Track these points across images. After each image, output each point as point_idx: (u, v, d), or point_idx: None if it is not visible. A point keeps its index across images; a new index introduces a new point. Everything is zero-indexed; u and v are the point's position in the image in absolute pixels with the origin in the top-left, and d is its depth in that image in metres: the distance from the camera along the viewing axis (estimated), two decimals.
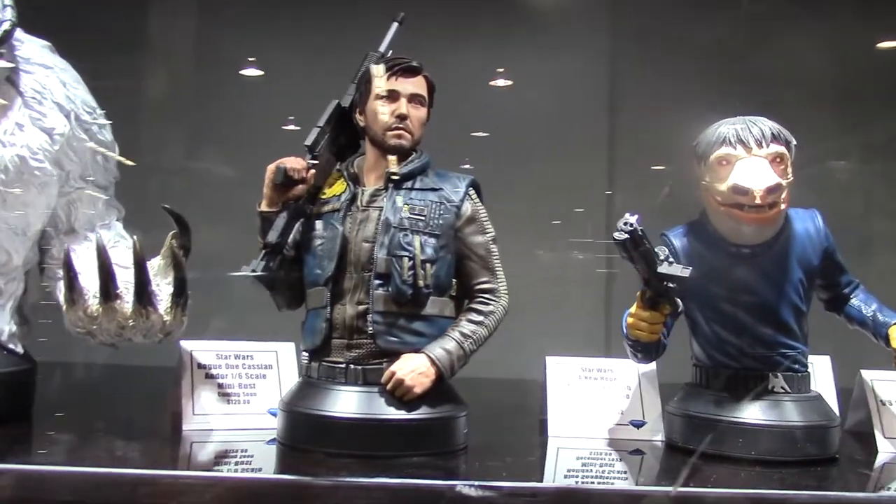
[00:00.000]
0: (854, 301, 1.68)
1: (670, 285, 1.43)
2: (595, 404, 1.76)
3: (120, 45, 2.75)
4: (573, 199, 2.85)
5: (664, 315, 1.49)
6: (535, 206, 2.78)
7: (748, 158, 1.52)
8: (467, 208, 1.58)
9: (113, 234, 1.74)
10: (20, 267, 1.65)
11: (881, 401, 1.75)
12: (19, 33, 1.65)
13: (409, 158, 1.59)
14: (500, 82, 2.89)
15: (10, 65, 1.60)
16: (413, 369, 1.48)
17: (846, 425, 1.82)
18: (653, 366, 1.80)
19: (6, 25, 1.53)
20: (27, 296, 1.72)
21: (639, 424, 1.74)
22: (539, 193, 2.79)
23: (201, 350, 1.70)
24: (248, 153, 2.53)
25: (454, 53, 2.72)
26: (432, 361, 1.50)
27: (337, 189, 1.61)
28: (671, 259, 1.44)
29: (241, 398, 1.69)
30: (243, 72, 2.89)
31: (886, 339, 1.61)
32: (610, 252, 2.62)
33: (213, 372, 1.69)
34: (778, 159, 1.53)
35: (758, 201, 1.49)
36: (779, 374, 1.59)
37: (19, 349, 1.64)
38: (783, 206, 1.54)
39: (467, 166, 2.81)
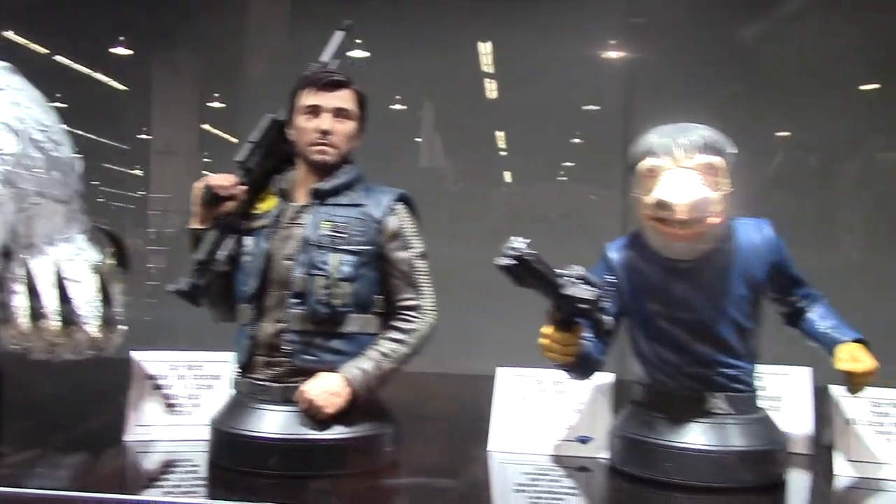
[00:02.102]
0: (810, 315, 1.57)
1: (582, 306, 1.37)
2: (543, 419, 1.72)
3: (223, 33, 2.90)
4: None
5: (578, 336, 1.43)
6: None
7: (674, 170, 1.43)
8: (391, 223, 1.56)
9: (73, 247, 1.78)
10: None
11: (846, 419, 1.64)
12: None
13: (335, 174, 1.58)
14: (613, 54, 2.84)
15: None
16: (324, 389, 1.48)
17: (821, 441, 1.72)
18: (610, 378, 1.74)
19: None
20: None
21: (585, 440, 1.69)
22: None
23: (151, 360, 1.73)
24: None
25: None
26: (346, 381, 1.49)
27: (269, 204, 1.61)
28: (582, 278, 1.37)
29: (186, 409, 1.72)
30: (349, 53, 2.90)
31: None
32: None
33: (161, 382, 1.72)
34: (709, 170, 1.44)
35: (680, 216, 1.41)
36: (718, 395, 1.51)
37: None
38: (716, 220, 1.45)
39: (577, 140, 2.80)
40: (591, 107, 2.81)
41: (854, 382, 1.46)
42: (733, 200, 1.49)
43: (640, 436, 1.52)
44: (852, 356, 1.45)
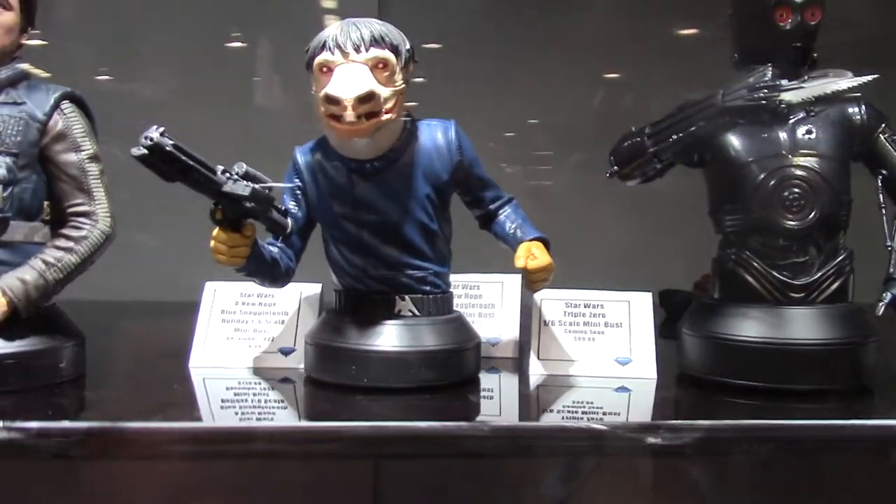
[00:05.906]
0: (500, 217, 1.58)
1: (240, 204, 1.31)
2: (247, 332, 1.67)
3: None
4: None
5: (247, 237, 1.37)
6: None
7: (345, 65, 1.39)
8: (56, 124, 1.46)
9: None
10: None
11: (544, 321, 1.67)
12: None
13: None
14: None
15: None
16: None
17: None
18: (316, 289, 1.72)
19: None
20: None
21: (288, 352, 1.65)
22: None
23: None
24: (192, 70, 2.68)
25: None
26: (3, 292, 1.39)
27: None
28: (247, 176, 1.32)
29: None
30: None
31: None
32: None
33: None
34: (381, 65, 1.41)
35: (349, 112, 1.38)
36: (406, 297, 1.50)
37: None
38: (390, 117, 1.42)
39: None
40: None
41: (531, 279, 1.47)
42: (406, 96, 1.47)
43: (327, 341, 1.50)
44: (528, 253, 1.46)
